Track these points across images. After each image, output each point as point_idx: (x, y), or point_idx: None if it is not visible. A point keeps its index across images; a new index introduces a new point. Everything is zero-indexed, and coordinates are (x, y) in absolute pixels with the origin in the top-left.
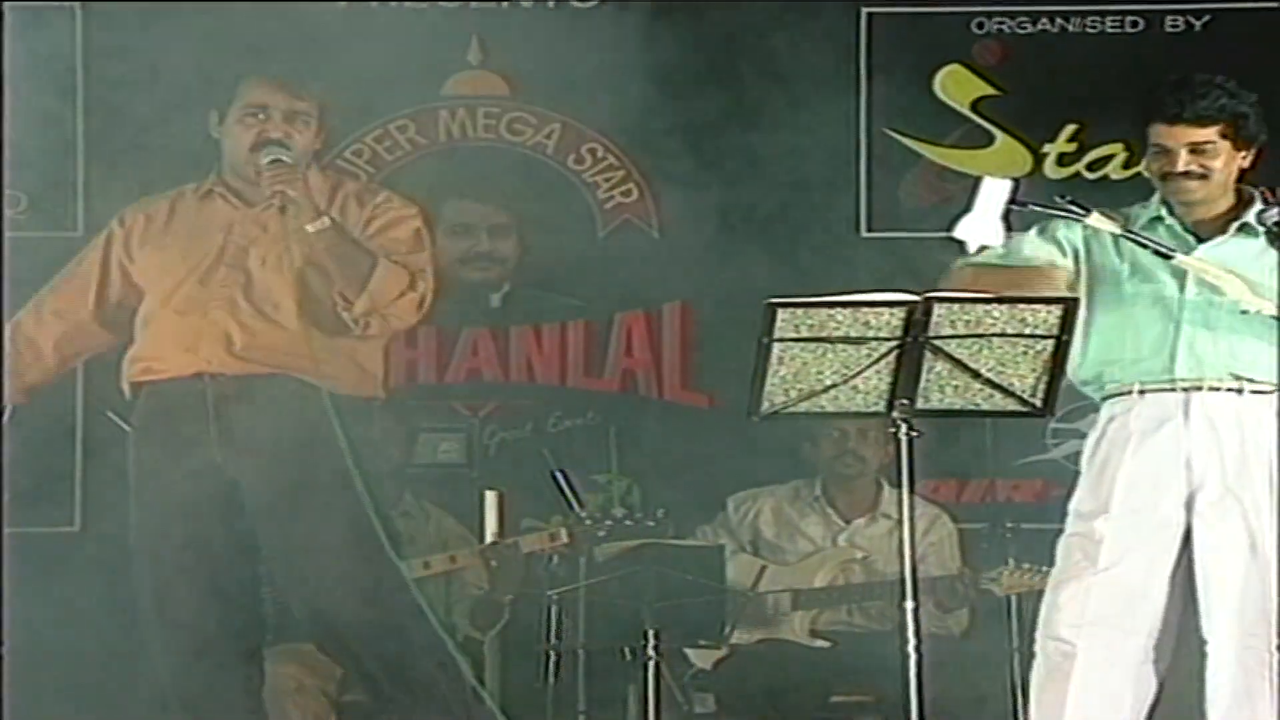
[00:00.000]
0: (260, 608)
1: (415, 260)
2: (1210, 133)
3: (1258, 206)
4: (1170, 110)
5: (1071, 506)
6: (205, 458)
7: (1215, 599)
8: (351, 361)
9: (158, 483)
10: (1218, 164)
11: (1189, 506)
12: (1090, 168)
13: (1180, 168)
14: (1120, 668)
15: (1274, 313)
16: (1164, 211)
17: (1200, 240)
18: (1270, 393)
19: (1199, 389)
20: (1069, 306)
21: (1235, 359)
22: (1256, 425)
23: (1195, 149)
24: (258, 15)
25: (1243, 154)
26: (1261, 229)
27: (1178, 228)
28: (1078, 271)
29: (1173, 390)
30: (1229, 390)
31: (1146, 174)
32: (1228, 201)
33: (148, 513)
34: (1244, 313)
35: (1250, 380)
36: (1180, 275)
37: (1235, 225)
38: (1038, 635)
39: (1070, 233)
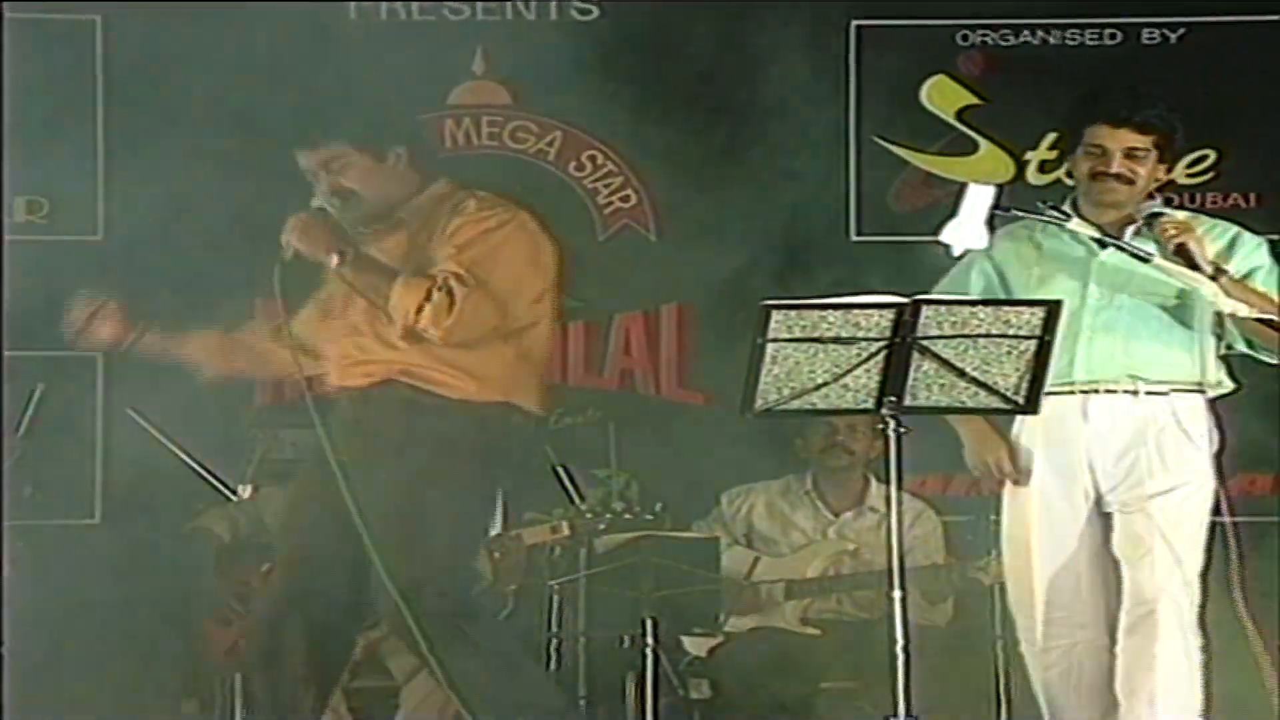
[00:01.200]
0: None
1: (447, 268)
2: (1147, 140)
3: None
4: (1119, 113)
5: (1031, 491)
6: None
7: (1123, 587)
8: (456, 368)
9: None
10: (1144, 171)
11: (1096, 505)
12: (1070, 174)
13: (1114, 169)
14: (1086, 657)
15: (1246, 314)
16: (1075, 215)
17: (1103, 246)
18: (1165, 394)
19: (1097, 391)
20: (1051, 309)
21: (1132, 360)
22: (1153, 421)
23: (1130, 153)
24: (271, 26)
25: (1163, 168)
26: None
27: (1083, 234)
28: (988, 287)
29: (1072, 393)
30: (1126, 392)
31: (1072, 173)
32: (1133, 208)
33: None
34: (1217, 314)
35: (1146, 380)
36: (1083, 279)
37: (1131, 229)
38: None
39: (985, 264)
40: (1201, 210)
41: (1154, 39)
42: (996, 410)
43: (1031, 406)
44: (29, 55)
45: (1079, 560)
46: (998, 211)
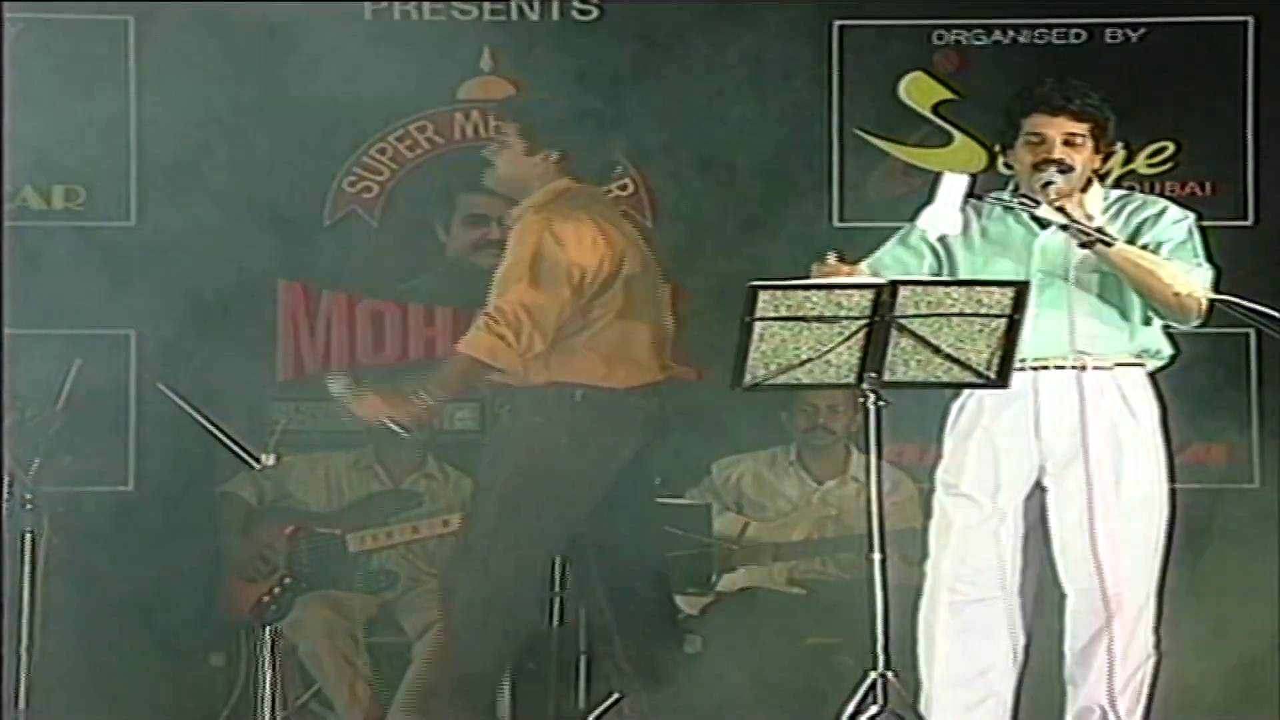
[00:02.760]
0: None
1: (499, 301)
2: (1084, 127)
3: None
4: (1055, 102)
5: (938, 475)
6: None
7: (1066, 554)
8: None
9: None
10: (1081, 159)
11: (1040, 473)
12: (1009, 165)
13: (1055, 155)
14: (987, 623)
15: (1207, 297)
16: (1012, 203)
17: (1043, 228)
18: (1110, 369)
19: (1045, 368)
20: (1020, 289)
21: (1077, 337)
22: (1098, 397)
23: (1068, 140)
24: (290, 25)
25: (1098, 158)
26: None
27: (1025, 216)
28: (939, 269)
29: (1022, 369)
30: (1073, 368)
31: (1013, 164)
32: (1074, 195)
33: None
34: (1176, 294)
35: (1091, 355)
36: (1025, 261)
37: (1055, 209)
38: (925, 589)
39: (924, 239)
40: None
41: (1116, 38)
42: (970, 384)
43: (1002, 381)
44: (64, 51)
45: (1005, 528)
46: (971, 199)
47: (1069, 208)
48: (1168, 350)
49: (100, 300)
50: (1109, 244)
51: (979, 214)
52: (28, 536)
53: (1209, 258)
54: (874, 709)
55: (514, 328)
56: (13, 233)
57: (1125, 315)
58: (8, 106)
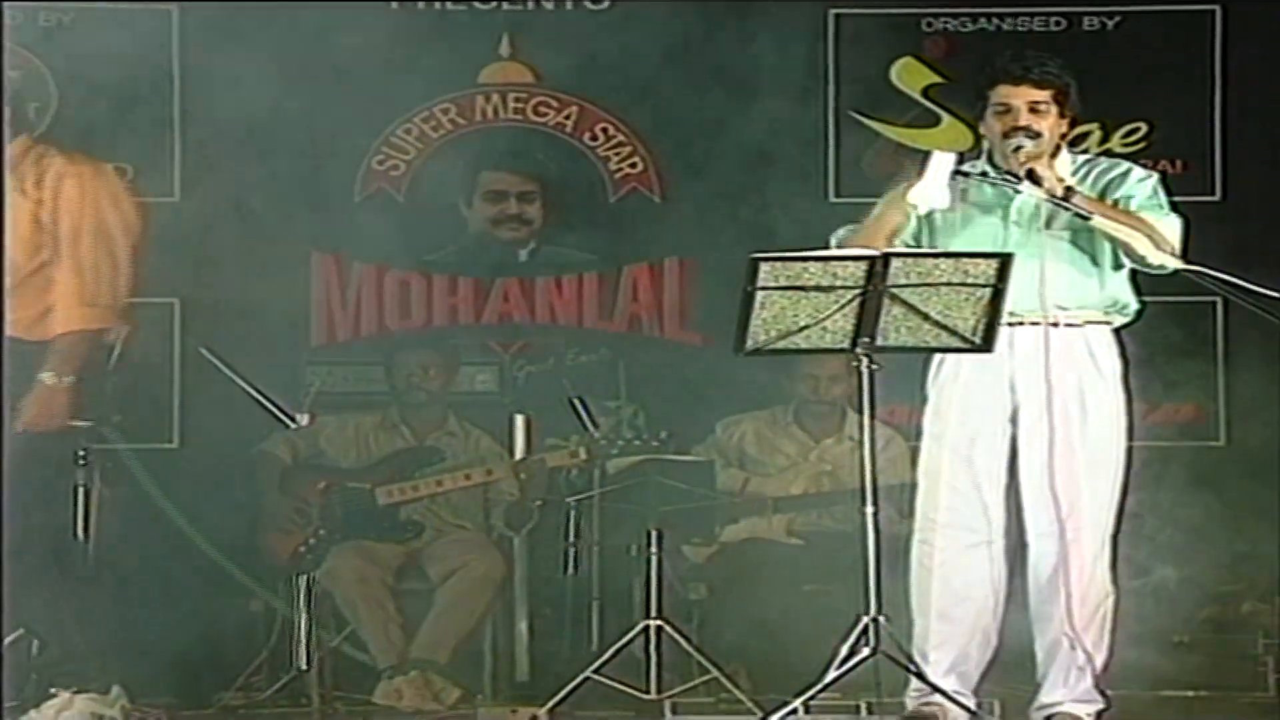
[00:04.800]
0: None
1: None
2: (1046, 95)
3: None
4: (1016, 72)
5: (924, 423)
6: None
7: (1033, 498)
8: None
9: None
10: (1047, 125)
11: (1013, 422)
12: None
13: (1022, 123)
14: (972, 563)
15: (1177, 265)
16: (989, 168)
17: (1016, 193)
18: (1079, 325)
19: (1021, 324)
20: (1004, 260)
21: (1052, 294)
22: (1068, 350)
23: (1033, 108)
24: (322, 13)
25: (1064, 123)
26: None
27: (999, 182)
28: (920, 229)
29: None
30: (1049, 324)
31: (984, 134)
32: (1044, 160)
33: None
34: (1148, 265)
35: (1064, 311)
36: (1004, 222)
37: (1023, 172)
38: (915, 531)
39: (918, 233)
40: None
41: (1094, 26)
42: (957, 349)
43: (987, 345)
44: (112, 38)
45: (990, 474)
46: (958, 175)
47: (1039, 169)
48: (1134, 305)
49: (146, 270)
50: (1086, 217)
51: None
52: (81, 490)
53: (1174, 208)
54: (866, 650)
55: None
56: None
57: (1096, 261)
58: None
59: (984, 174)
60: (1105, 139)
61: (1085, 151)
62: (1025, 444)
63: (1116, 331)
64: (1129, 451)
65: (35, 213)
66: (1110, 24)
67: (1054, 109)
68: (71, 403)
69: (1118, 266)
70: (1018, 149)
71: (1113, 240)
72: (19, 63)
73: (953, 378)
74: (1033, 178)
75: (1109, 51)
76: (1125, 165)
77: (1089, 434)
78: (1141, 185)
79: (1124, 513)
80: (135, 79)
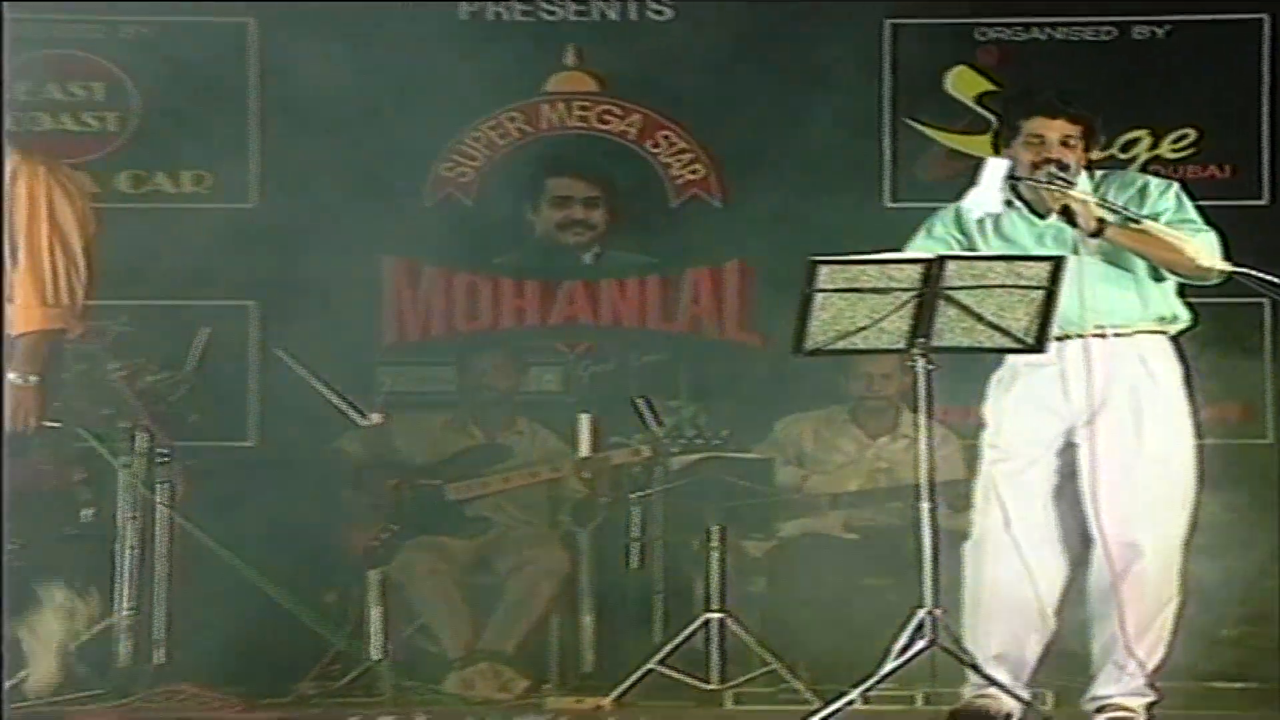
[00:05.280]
0: None
1: None
2: (1078, 129)
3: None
4: (1054, 107)
5: (984, 438)
6: None
7: (1090, 506)
8: None
9: None
10: (1075, 157)
11: (1070, 433)
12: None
13: (1053, 155)
14: (1021, 564)
15: (1223, 270)
16: (1012, 197)
17: (1041, 218)
18: (1129, 334)
19: (1069, 337)
20: (1057, 262)
21: (1097, 310)
22: (1121, 362)
23: (1065, 141)
24: (392, 25)
25: (1088, 155)
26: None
27: (1024, 209)
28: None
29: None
30: (1094, 336)
31: (1016, 160)
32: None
33: None
34: (1188, 278)
35: (1111, 325)
36: (1042, 244)
37: (1058, 207)
38: (973, 534)
39: (947, 230)
40: (1183, 180)
41: (1144, 35)
42: (1010, 349)
43: (1040, 346)
44: (190, 52)
45: (1043, 484)
46: (1011, 180)
47: (1074, 206)
48: (1186, 315)
49: (224, 274)
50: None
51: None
52: (163, 488)
53: (1206, 220)
54: (922, 643)
55: None
56: (146, 213)
57: (1132, 277)
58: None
59: (1015, 191)
60: (1155, 145)
61: (1133, 159)
62: (1083, 452)
63: (1174, 340)
64: (1199, 453)
65: None
66: (1160, 33)
67: (1082, 142)
68: (40, 402)
69: (1159, 278)
70: (1049, 181)
71: (1149, 262)
72: (101, 74)
73: (1007, 394)
74: (1067, 214)
75: (1159, 60)
76: (1142, 180)
77: (1146, 443)
78: (1164, 199)
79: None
80: (213, 89)
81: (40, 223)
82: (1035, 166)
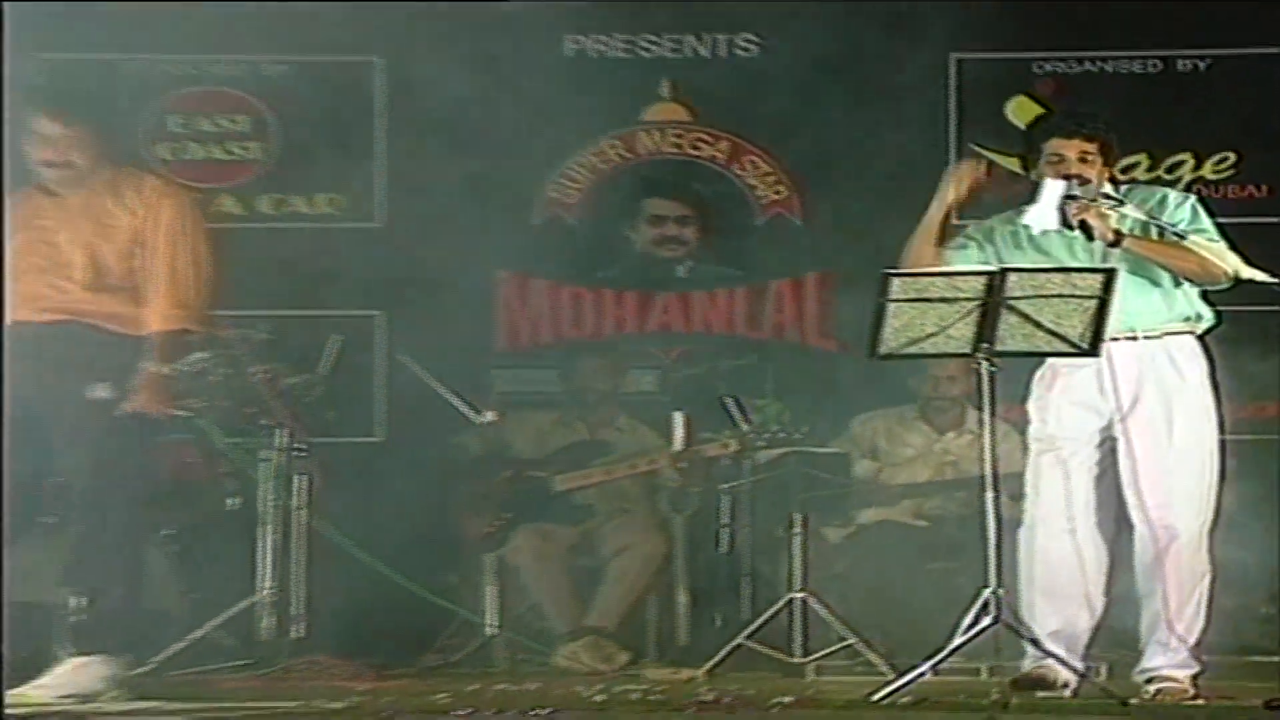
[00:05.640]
0: None
1: None
2: (1094, 146)
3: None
4: (1069, 128)
5: (1029, 432)
6: None
7: (1129, 494)
8: None
9: None
10: (1094, 172)
11: (1109, 428)
12: (1123, 170)
13: (1073, 171)
14: (1066, 547)
15: (1246, 275)
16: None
17: (1072, 229)
18: (1158, 336)
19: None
20: (1109, 275)
21: (1129, 315)
22: (1151, 361)
23: (1083, 157)
24: (506, 60)
25: (1107, 170)
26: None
27: (1054, 234)
28: (989, 254)
29: None
30: (1127, 339)
31: (1039, 176)
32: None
33: None
34: (1245, 280)
35: (1142, 329)
36: (1072, 253)
37: (1076, 221)
38: (1025, 521)
39: (984, 254)
40: (1224, 199)
41: (1186, 68)
42: (1066, 354)
43: (1094, 350)
44: (324, 87)
45: (1084, 473)
46: (1067, 199)
47: (1090, 220)
48: (1210, 315)
49: (354, 287)
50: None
51: (1021, 212)
52: (300, 479)
53: (1218, 228)
54: (987, 620)
55: None
56: (284, 232)
57: (1157, 282)
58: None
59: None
60: (1198, 166)
61: (1178, 179)
62: (1120, 445)
63: (1200, 338)
64: (1222, 446)
65: (134, 226)
66: (1202, 65)
67: (1100, 158)
68: (173, 391)
69: (1179, 283)
70: (1070, 198)
71: (1167, 270)
72: (245, 108)
73: (1048, 392)
74: (1085, 228)
75: (1201, 89)
76: (1161, 192)
77: (1177, 436)
78: (1181, 210)
79: (1221, 503)
80: (344, 121)
81: (183, 241)
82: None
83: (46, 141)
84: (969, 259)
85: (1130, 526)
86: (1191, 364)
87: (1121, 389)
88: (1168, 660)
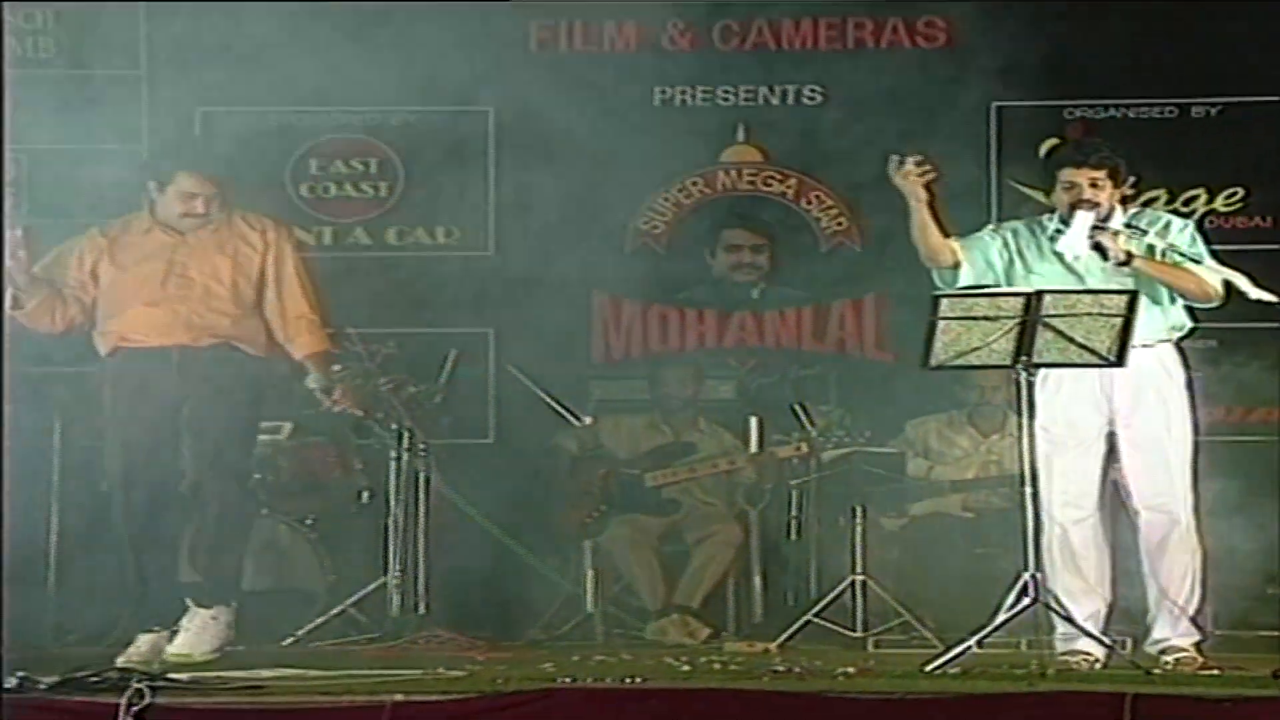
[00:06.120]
0: None
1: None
2: (1103, 174)
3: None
4: (1079, 158)
5: (1037, 427)
6: None
7: (1134, 485)
8: None
9: None
10: (1104, 196)
11: (1111, 425)
12: (1145, 204)
13: (1085, 196)
14: (1081, 533)
15: (1270, 299)
16: (1062, 227)
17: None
18: (1153, 346)
19: None
20: (1133, 296)
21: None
22: (1149, 366)
23: (1093, 184)
24: (600, 109)
25: (1117, 192)
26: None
27: (1077, 255)
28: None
29: None
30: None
31: (1055, 204)
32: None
33: None
34: (1197, 303)
35: (1141, 340)
36: (1084, 268)
37: (1091, 243)
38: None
39: (1005, 250)
40: (1233, 229)
41: (1200, 113)
42: (1096, 365)
43: (1121, 361)
44: (443, 134)
45: (1092, 465)
46: (1096, 228)
47: (1105, 242)
48: (1189, 324)
49: (468, 307)
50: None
51: (1035, 233)
52: (420, 477)
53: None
54: (1026, 600)
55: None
56: (408, 260)
57: (1156, 299)
58: None
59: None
60: (1210, 200)
61: (1193, 212)
62: (1123, 440)
63: (1178, 346)
64: (1196, 445)
65: (262, 261)
66: (1214, 111)
67: (1109, 183)
68: (360, 396)
69: (1173, 299)
70: (1098, 227)
71: (1168, 288)
72: (375, 152)
73: (1056, 393)
74: (1099, 249)
75: (1213, 133)
76: (1166, 218)
77: (1173, 432)
78: (1182, 235)
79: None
80: (460, 164)
81: (303, 272)
82: (1072, 208)
83: (191, 197)
84: (985, 246)
85: (1124, 514)
86: (1177, 368)
87: (1126, 392)
88: (1175, 631)
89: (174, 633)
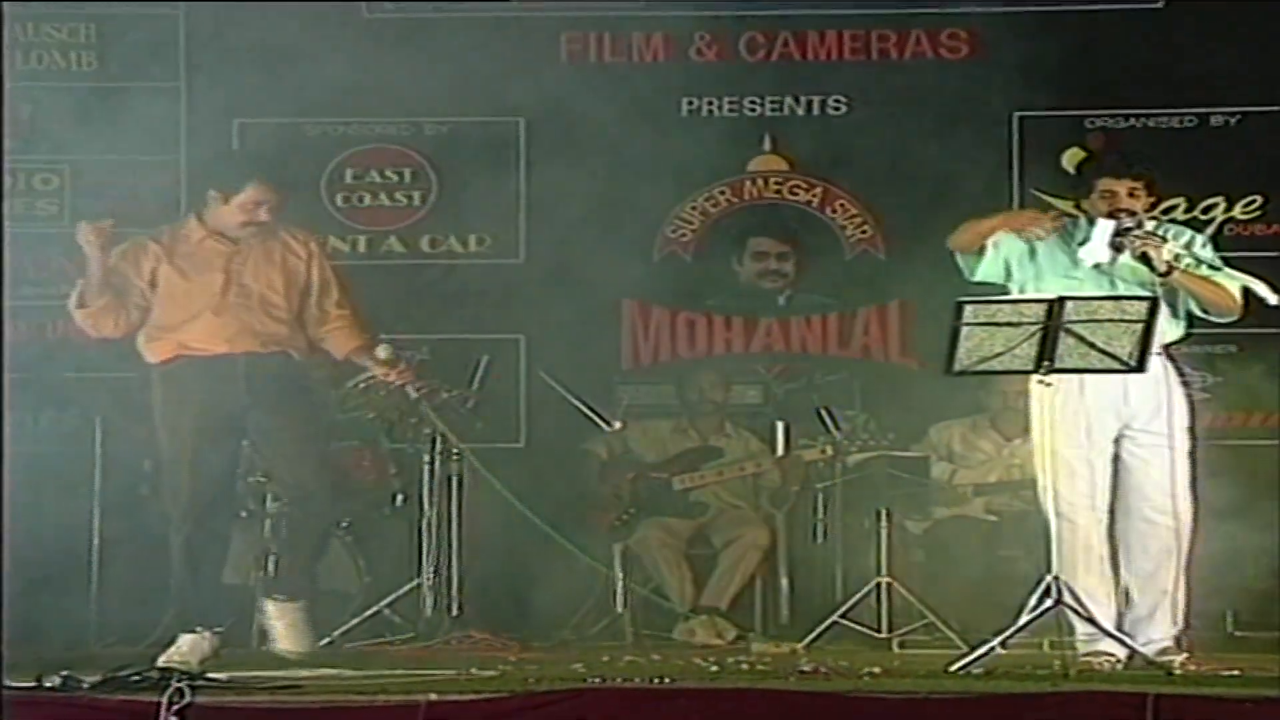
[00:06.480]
0: None
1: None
2: (1140, 184)
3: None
4: (1120, 168)
5: (1058, 428)
6: None
7: (1146, 489)
8: None
9: None
10: (1140, 205)
11: (1124, 426)
12: (1163, 212)
13: (1123, 206)
14: (1097, 532)
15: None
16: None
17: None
18: (1161, 353)
19: None
20: (1153, 302)
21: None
22: (1160, 373)
23: (1131, 193)
24: (627, 118)
25: (1152, 201)
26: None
27: (1125, 262)
28: (1010, 283)
29: None
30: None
31: (1093, 211)
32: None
33: None
34: (1220, 316)
35: (1157, 346)
36: (1110, 275)
37: (1138, 254)
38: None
39: (1023, 258)
40: (1252, 236)
41: (1220, 122)
42: (1116, 370)
43: (1141, 367)
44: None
45: (1102, 464)
46: (1117, 237)
47: (1151, 252)
48: (1186, 330)
49: (499, 313)
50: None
51: (1073, 234)
52: (453, 479)
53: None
54: (1049, 602)
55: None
56: (440, 268)
57: (1175, 313)
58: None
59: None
60: (1229, 208)
61: (1212, 219)
62: (1130, 447)
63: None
64: (1194, 448)
65: (306, 270)
66: (1232, 121)
67: (1144, 193)
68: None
69: (1188, 310)
70: (1125, 231)
71: (1197, 299)
72: (408, 162)
73: (1074, 396)
74: (1146, 260)
75: (1232, 141)
76: (1189, 233)
77: (1176, 435)
78: (1206, 249)
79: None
80: (491, 173)
81: (338, 279)
82: (1110, 216)
83: (257, 205)
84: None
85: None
86: (1175, 375)
87: (1141, 396)
88: (1170, 631)
89: (263, 633)
